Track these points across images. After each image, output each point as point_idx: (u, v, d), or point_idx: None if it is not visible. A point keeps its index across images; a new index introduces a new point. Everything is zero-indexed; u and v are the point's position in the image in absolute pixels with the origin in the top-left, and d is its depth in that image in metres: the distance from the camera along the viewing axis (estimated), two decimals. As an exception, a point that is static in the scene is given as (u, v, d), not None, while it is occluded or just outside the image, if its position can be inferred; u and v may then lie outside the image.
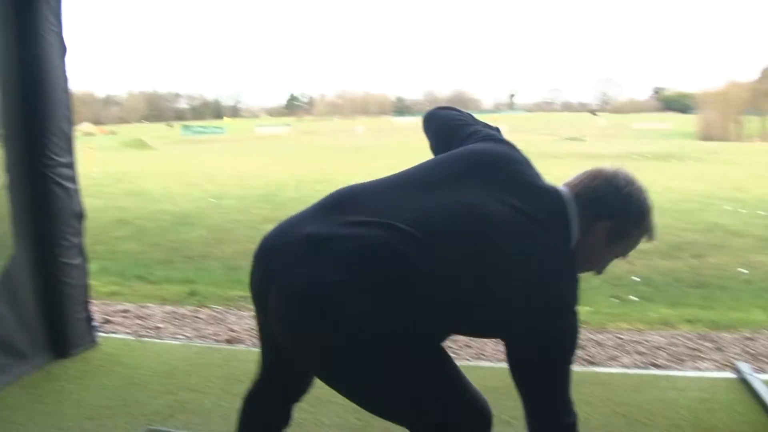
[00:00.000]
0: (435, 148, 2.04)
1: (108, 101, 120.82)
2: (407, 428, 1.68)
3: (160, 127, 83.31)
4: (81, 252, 3.74)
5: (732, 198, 11.86)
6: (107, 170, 19.25)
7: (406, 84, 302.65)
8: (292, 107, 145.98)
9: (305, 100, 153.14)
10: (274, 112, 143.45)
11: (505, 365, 1.72)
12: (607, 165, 1.81)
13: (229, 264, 6.79)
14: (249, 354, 3.79)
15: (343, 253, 1.51)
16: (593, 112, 48.15)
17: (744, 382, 3.21)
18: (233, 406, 3.02)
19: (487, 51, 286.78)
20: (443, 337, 1.63)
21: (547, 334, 1.60)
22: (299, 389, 2.02)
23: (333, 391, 3.16)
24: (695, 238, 7.97)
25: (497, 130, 1.97)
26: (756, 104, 51.63)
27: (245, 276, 5.66)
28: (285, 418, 2.07)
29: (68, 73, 3.63)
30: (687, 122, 59.50)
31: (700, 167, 18.89)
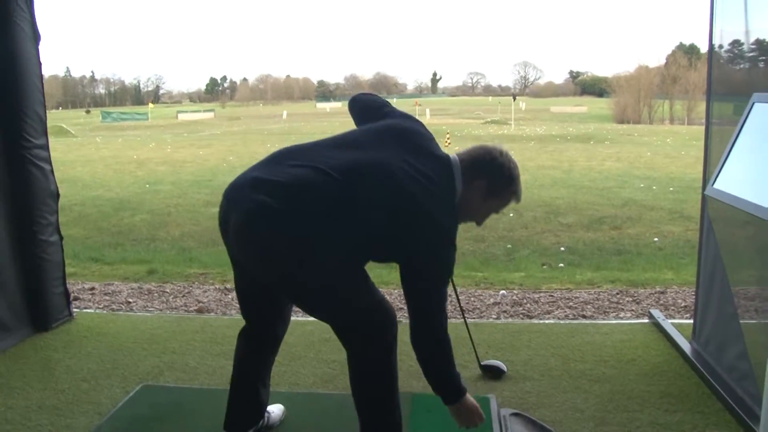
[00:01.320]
0: (358, 123, 2.53)
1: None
2: (329, 322, 2.20)
3: (78, 113, 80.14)
4: (57, 229, 3.95)
5: (645, 176, 12.77)
6: (30, 158, 18.65)
7: (328, 68, 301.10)
8: (214, 92, 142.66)
9: (227, 84, 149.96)
10: (194, 98, 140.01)
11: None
12: (490, 143, 2.35)
13: (178, 245, 6.98)
14: (221, 321, 4.12)
15: (276, 186, 2.00)
16: (514, 96, 49.48)
17: (657, 326, 3.79)
18: (216, 363, 3.41)
19: (407, 35, 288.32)
20: (358, 255, 2.12)
21: (432, 260, 2.09)
22: (277, 320, 2.47)
23: (307, 349, 3.57)
24: (614, 212, 8.68)
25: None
26: (664, 89, 54.40)
27: (198, 255, 5.92)
28: (272, 347, 2.54)
29: (41, 59, 3.81)
30: (603, 105, 62.02)
31: (617, 148, 19.99)
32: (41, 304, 3.85)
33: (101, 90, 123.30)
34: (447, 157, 2.24)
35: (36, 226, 3.79)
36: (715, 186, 2.06)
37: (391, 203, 2.03)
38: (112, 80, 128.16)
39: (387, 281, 5.01)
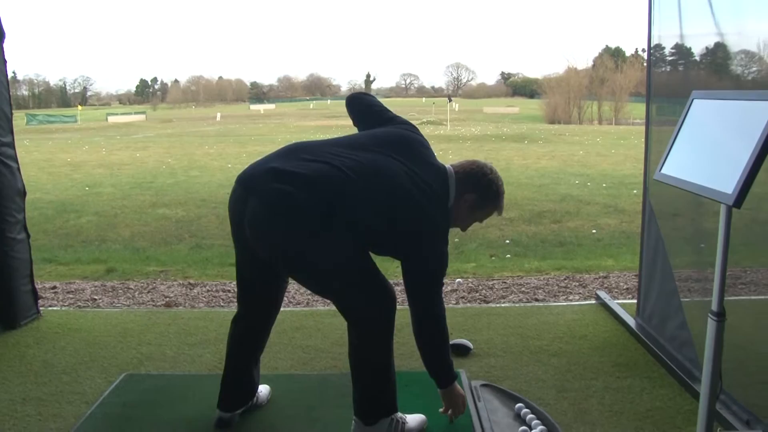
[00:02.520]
0: (359, 123, 2.74)
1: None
2: (335, 300, 2.41)
3: (-2, 115, 76.79)
4: (24, 227, 3.98)
5: (579, 173, 13.36)
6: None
7: (261, 70, 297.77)
8: (144, 94, 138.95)
9: (157, 86, 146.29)
10: (124, 99, 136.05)
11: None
12: (481, 160, 2.62)
13: (131, 245, 6.96)
14: (191, 313, 4.23)
15: (298, 177, 2.20)
16: (449, 97, 50.35)
17: (603, 306, 4.13)
18: (194, 352, 3.53)
19: (341, 36, 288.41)
20: (365, 246, 2.34)
21: (430, 255, 2.34)
22: (272, 306, 2.65)
23: (280, 336, 3.74)
24: (553, 207, 9.11)
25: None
26: (593, 90, 56.32)
27: (154, 254, 5.99)
28: (265, 331, 2.71)
29: (6, 57, 3.84)
30: (534, 106, 63.70)
31: (550, 147, 20.70)
32: (10, 302, 3.87)
33: (24, 91, 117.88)
34: (444, 167, 2.49)
35: (4, 224, 3.81)
36: (662, 171, 2.34)
37: (396, 203, 2.27)
38: (36, 81, 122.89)
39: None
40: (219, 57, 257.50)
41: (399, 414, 2.51)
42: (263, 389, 2.87)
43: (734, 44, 3.07)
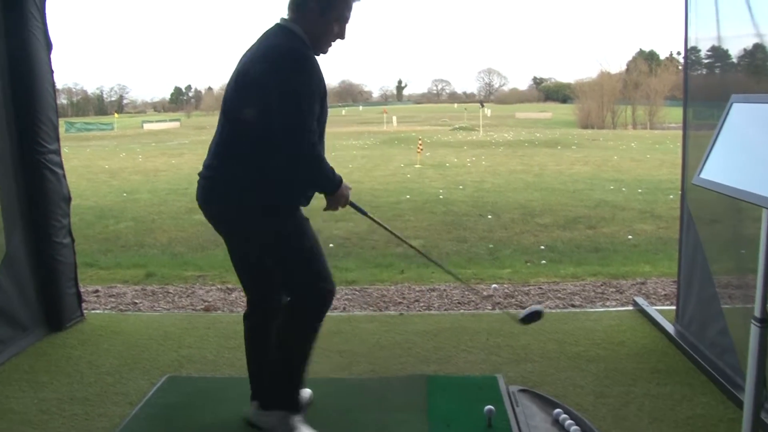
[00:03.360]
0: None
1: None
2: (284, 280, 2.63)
3: (38, 124, 78.58)
4: (69, 232, 4.10)
5: (614, 179, 13.20)
6: None
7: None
8: (178, 102, 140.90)
9: (191, 94, 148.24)
10: (159, 107, 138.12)
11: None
12: None
13: (169, 251, 7.09)
14: (230, 317, 4.30)
15: (213, 170, 2.60)
16: (482, 102, 50.26)
17: (641, 312, 4.09)
18: (233, 355, 3.59)
19: (372, 42, 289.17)
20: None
21: (290, 78, 2.41)
22: (272, 288, 2.77)
23: (320, 342, 3.78)
24: (587, 213, 9.03)
25: None
26: (626, 94, 55.61)
27: (192, 259, 6.07)
28: (272, 314, 2.77)
29: (53, 67, 3.96)
30: (567, 111, 63.15)
31: (584, 153, 20.51)
32: (56, 305, 3.99)
33: (63, 100, 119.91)
34: (276, 25, 2.53)
35: (50, 228, 3.93)
36: (701, 176, 2.32)
37: (255, 80, 2.44)
38: (74, 90, 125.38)
39: (381, 279, 5.30)
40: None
41: (298, 417, 2.65)
42: (304, 393, 2.91)
43: (773, 45, 3.03)
